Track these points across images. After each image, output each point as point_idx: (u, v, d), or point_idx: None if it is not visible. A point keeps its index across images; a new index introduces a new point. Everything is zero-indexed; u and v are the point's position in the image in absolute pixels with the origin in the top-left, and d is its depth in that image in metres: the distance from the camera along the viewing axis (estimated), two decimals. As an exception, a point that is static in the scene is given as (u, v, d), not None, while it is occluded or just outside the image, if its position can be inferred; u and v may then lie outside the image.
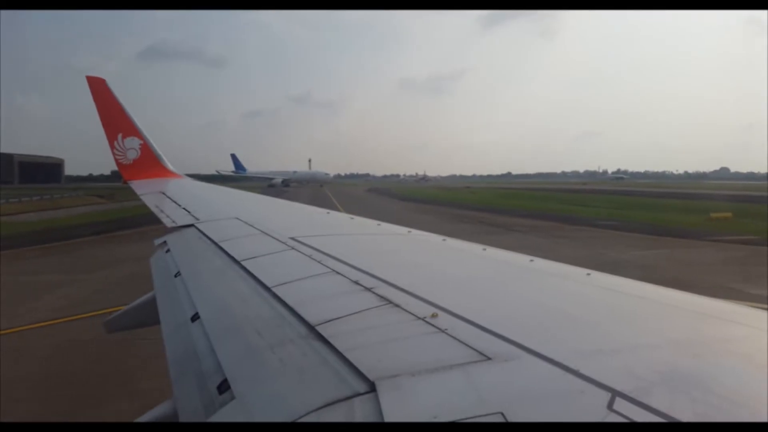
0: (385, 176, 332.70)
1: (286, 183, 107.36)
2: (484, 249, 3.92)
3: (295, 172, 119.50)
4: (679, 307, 2.37)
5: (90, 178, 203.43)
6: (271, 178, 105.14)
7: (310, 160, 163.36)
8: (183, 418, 2.03)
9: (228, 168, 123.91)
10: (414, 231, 4.95)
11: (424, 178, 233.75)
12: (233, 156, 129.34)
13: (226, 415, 1.76)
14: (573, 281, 2.96)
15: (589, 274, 3.02)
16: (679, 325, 2.17)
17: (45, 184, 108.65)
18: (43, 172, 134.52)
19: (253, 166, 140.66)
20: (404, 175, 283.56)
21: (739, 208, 46.28)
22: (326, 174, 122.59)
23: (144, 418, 2.45)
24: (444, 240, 4.42)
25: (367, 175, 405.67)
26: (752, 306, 2.39)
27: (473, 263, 3.64)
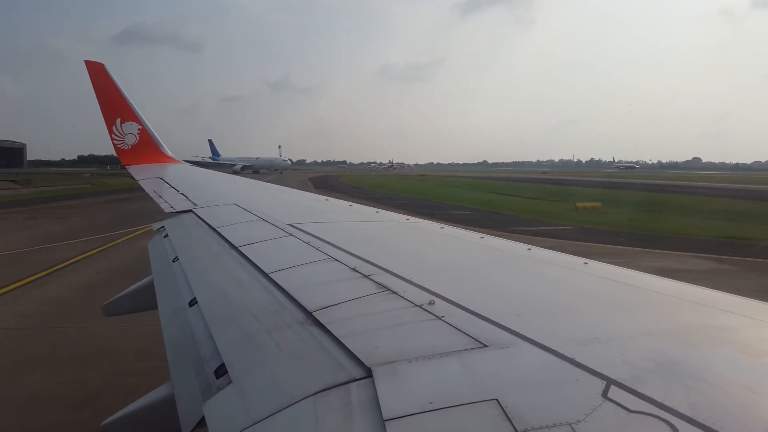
0: (361, 163, 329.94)
1: (255, 170, 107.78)
2: (482, 237, 3.93)
3: (258, 158, 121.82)
4: (675, 297, 2.38)
5: (55, 163, 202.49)
6: (233, 164, 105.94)
7: (279, 147, 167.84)
8: (180, 401, 2.04)
9: (205, 153, 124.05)
10: (412, 219, 4.95)
11: (392, 166, 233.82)
12: (210, 141, 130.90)
13: (223, 399, 1.77)
14: (570, 270, 2.96)
15: (586, 263, 3.02)
16: (675, 315, 2.18)
17: (6, 168, 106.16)
18: (4, 156, 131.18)
19: (232, 151, 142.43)
20: (376, 163, 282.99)
21: (634, 198, 46.86)
22: (285, 161, 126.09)
23: (141, 402, 2.47)
24: (442, 228, 4.43)
25: (344, 162, 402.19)
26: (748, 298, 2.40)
27: (470, 251, 3.65)
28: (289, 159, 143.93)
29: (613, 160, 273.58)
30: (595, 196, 49.74)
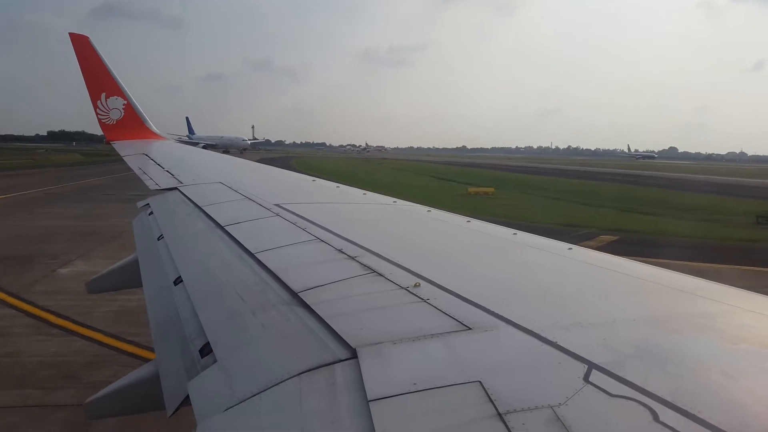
0: (340, 146, 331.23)
1: (225, 150, 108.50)
2: (468, 221, 3.94)
3: (222, 137, 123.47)
4: (657, 283, 2.42)
5: (27, 138, 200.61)
6: (197, 143, 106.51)
7: (253, 127, 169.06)
8: (165, 380, 2.04)
9: (183, 132, 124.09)
10: (399, 201, 4.95)
11: (366, 150, 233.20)
12: (187, 119, 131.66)
13: (208, 378, 1.77)
14: (554, 255, 2.99)
15: (570, 248, 3.05)
16: (657, 301, 2.21)
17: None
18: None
19: (212, 129, 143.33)
20: (350, 146, 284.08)
21: (551, 186, 48.36)
22: (243, 140, 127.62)
23: (126, 380, 2.46)
24: (429, 211, 4.43)
25: (323, 144, 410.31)
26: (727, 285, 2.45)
27: (457, 234, 3.66)
28: (251, 138, 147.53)
29: (628, 149, 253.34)
30: (524, 182, 52.76)
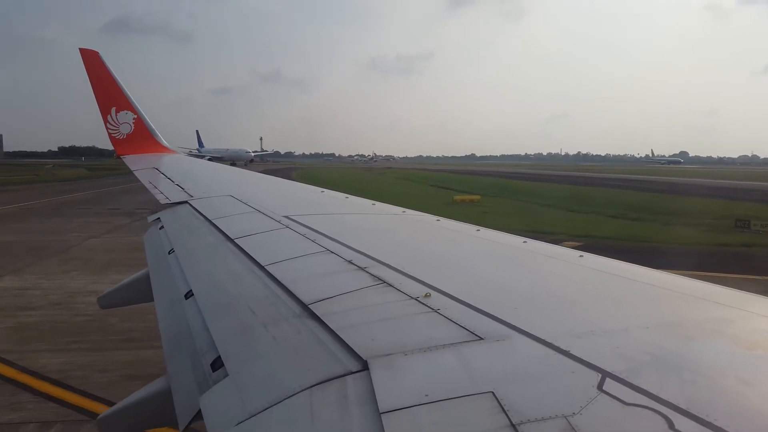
0: (349, 156, 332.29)
1: (232, 162, 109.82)
2: (478, 230, 3.93)
3: (227, 150, 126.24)
4: (671, 290, 2.39)
5: (39, 154, 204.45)
6: (203, 156, 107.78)
7: (261, 139, 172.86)
8: (177, 394, 2.04)
9: (193, 145, 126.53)
10: (408, 211, 4.95)
11: (373, 159, 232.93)
12: (197, 132, 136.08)
13: (219, 392, 1.77)
14: (565, 262, 2.97)
15: (581, 255, 3.03)
16: (670, 308, 2.19)
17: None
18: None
19: (223, 142, 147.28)
20: (358, 156, 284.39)
21: (546, 193, 47.96)
22: (247, 152, 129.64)
23: (137, 395, 2.47)
24: (438, 220, 4.43)
25: (332, 155, 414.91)
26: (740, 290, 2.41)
27: (466, 243, 3.65)
28: (259, 150, 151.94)
29: (651, 154, 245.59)
30: (520, 189, 53.67)
